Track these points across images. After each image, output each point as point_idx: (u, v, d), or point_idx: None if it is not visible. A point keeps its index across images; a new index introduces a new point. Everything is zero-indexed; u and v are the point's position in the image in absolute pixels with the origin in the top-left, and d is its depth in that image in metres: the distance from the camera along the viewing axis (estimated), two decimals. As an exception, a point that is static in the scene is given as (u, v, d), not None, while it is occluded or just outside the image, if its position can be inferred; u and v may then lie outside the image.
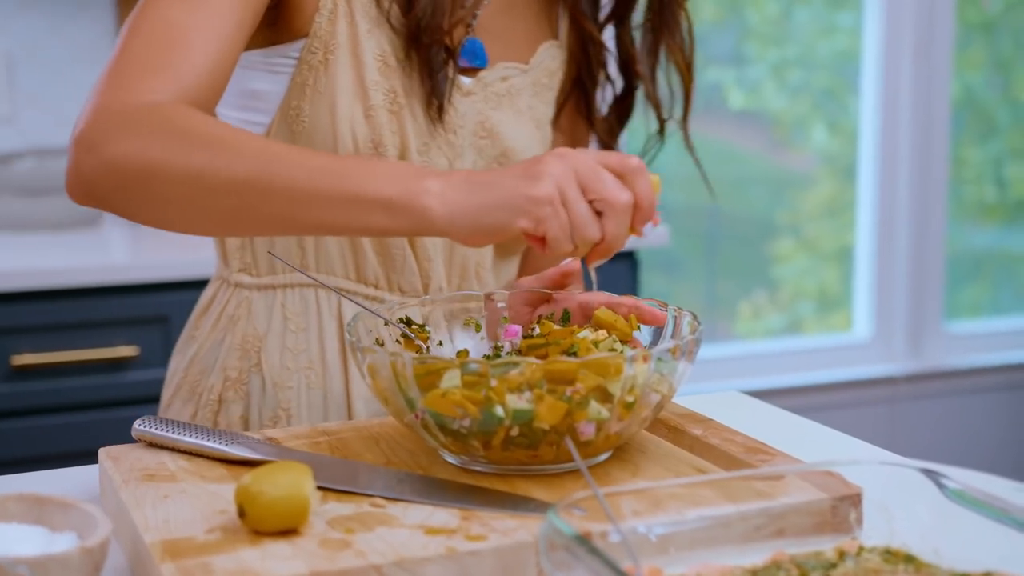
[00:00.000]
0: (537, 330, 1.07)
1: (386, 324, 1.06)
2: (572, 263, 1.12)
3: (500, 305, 1.13)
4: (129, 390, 2.19)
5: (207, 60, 1.12)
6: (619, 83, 1.39)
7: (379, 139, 1.22)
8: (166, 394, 1.36)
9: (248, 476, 0.85)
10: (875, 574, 0.79)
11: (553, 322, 1.09)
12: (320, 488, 0.92)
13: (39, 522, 0.88)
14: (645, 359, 0.92)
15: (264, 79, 1.25)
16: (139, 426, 1.01)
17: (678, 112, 1.36)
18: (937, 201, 3.36)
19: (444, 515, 0.88)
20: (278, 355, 1.27)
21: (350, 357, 1.26)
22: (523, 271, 1.42)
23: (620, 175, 1.01)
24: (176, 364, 1.36)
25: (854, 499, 0.90)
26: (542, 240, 1.00)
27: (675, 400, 1.22)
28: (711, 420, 1.08)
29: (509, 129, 1.31)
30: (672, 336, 1.05)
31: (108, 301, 2.19)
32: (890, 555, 0.85)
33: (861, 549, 0.86)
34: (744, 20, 3.30)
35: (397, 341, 1.06)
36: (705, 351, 3.23)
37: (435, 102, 1.24)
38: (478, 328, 1.12)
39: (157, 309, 2.20)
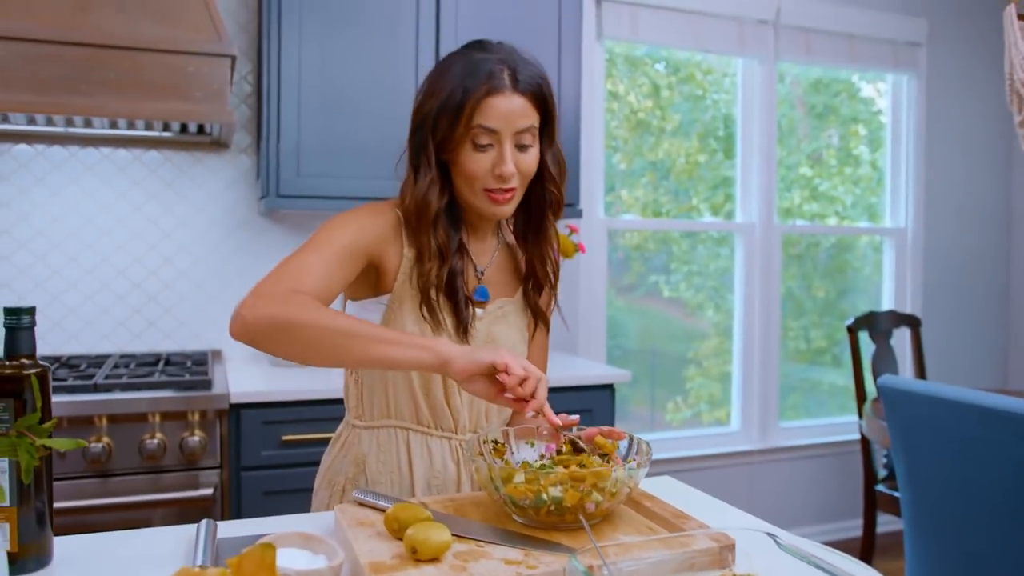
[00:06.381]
0: (563, 449, 1.82)
1: (483, 443, 1.82)
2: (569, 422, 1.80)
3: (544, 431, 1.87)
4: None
5: (319, 281, 1.75)
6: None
7: None
8: (316, 484, 2.08)
9: (411, 529, 1.53)
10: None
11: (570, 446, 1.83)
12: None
13: (305, 548, 1.44)
14: (622, 469, 1.66)
15: (371, 315, 1.94)
16: (355, 495, 1.75)
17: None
18: (774, 349, 5.66)
19: (515, 552, 1.55)
20: (375, 465, 1.97)
21: (414, 463, 1.95)
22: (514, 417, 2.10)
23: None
24: (322, 467, 2.08)
25: (730, 548, 1.56)
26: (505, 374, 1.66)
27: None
28: (656, 497, 1.78)
29: (505, 337, 2.00)
30: (636, 453, 1.77)
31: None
32: (747, 580, 1.54)
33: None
34: (670, 249, 5.31)
35: (488, 452, 1.80)
36: (649, 434, 5.23)
37: (461, 328, 1.91)
38: (532, 444, 1.85)
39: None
